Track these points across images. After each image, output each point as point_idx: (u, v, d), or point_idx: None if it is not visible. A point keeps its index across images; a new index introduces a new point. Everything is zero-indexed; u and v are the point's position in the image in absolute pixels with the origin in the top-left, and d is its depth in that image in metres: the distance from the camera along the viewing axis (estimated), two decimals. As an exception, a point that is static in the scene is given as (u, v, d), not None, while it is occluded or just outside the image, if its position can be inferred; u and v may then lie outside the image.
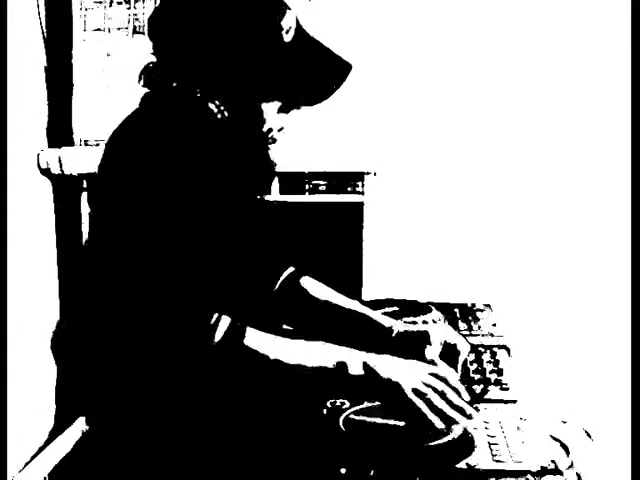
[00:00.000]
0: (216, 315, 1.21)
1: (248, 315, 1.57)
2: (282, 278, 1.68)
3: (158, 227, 1.24)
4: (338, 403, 1.38)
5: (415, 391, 1.25)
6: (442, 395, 1.25)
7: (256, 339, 1.24)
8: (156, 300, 1.20)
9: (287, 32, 1.33)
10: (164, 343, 1.19)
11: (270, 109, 1.38)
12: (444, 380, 1.27)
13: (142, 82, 1.37)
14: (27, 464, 1.44)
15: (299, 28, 1.37)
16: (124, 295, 1.22)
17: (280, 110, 1.40)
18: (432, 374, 1.27)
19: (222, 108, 1.36)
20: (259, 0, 1.30)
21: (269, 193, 1.69)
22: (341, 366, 1.27)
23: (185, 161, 1.28)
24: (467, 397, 1.27)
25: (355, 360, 1.28)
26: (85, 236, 2.55)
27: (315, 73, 1.37)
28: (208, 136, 1.35)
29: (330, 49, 1.39)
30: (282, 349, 1.26)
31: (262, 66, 1.32)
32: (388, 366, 1.28)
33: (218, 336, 1.20)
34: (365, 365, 1.28)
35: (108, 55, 2.67)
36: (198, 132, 1.33)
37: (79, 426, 1.45)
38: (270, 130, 1.41)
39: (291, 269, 1.69)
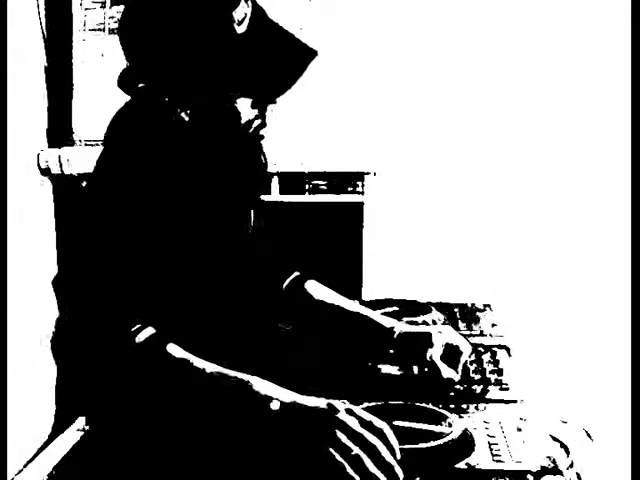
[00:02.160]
0: (140, 325, 1.22)
1: (242, 319, 1.56)
2: (287, 282, 1.67)
3: (125, 237, 1.25)
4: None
5: (338, 444, 1.11)
6: (372, 450, 1.10)
7: (179, 350, 1.22)
8: (100, 306, 1.22)
9: (240, 24, 1.32)
10: (96, 342, 1.21)
11: (242, 105, 1.37)
12: (379, 433, 1.13)
13: (119, 86, 1.39)
14: (27, 464, 1.45)
15: (260, 18, 1.35)
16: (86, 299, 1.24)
17: (254, 105, 1.38)
18: (367, 423, 1.14)
19: (187, 110, 1.34)
20: None
21: (266, 192, 1.64)
22: (264, 399, 1.17)
23: (149, 170, 1.28)
24: (398, 455, 1.12)
25: (283, 397, 1.18)
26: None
27: (274, 61, 1.35)
28: (174, 140, 1.33)
29: (295, 36, 1.36)
30: (208, 365, 1.21)
31: (215, 59, 1.31)
32: (320, 407, 1.16)
33: (139, 339, 1.20)
34: (292, 404, 1.16)
35: (108, 55, 2.67)
36: (164, 139, 1.31)
37: (79, 426, 1.45)
38: (249, 126, 1.39)
39: (296, 273, 1.69)
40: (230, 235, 1.50)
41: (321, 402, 1.16)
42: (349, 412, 1.14)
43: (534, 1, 2.69)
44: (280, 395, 1.18)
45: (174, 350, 1.21)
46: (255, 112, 1.38)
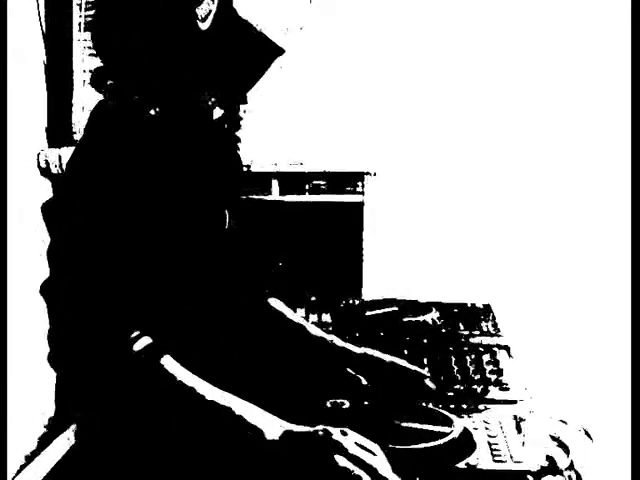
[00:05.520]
0: (138, 332, 1.22)
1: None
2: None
3: (109, 236, 1.23)
4: (338, 402, 1.38)
5: (337, 466, 1.10)
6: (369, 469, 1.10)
7: (174, 364, 1.22)
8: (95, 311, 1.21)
9: (203, 20, 1.32)
10: (91, 347, 1.21)
11: (215, 104, 1.37)
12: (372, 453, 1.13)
13: (90, 84, 1.40)
14: (26, 466, 1.45)
15: (227, 14, 1.35)
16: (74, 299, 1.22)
17: (220, 103, 1.37)
18: (360, 445, 1.13)
19: (156, 107, 1.33)
20: None
21: (241, 192, 1.60)
22: (255, 431, 1.16)
23: (123, 168, 1.26)
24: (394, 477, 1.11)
25: (274, 427, 1.17)
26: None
27: (239, 58, 1.37)
28: (145, 137, 1.31)
29: (263, 33, 1.38)
30: (199, 383, 1.21)
31: (178, 55, 1.31)
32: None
33: (137, 348, 1.20)
34: (288, 433, 1.16)
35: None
36: (134, 136, 1.30)
37: (77, 428, 1.45)
38: (221, 124, 1.39)
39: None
40: (204, 234, 1.45)
41: (317, 428, 1.16)
42: (344, 434, 1.14)
43: (534, 1, 2.69)
44: (275, 424, 1.17)
45: (169, 363, 1.21)
46: (222, 110, 1.37)
